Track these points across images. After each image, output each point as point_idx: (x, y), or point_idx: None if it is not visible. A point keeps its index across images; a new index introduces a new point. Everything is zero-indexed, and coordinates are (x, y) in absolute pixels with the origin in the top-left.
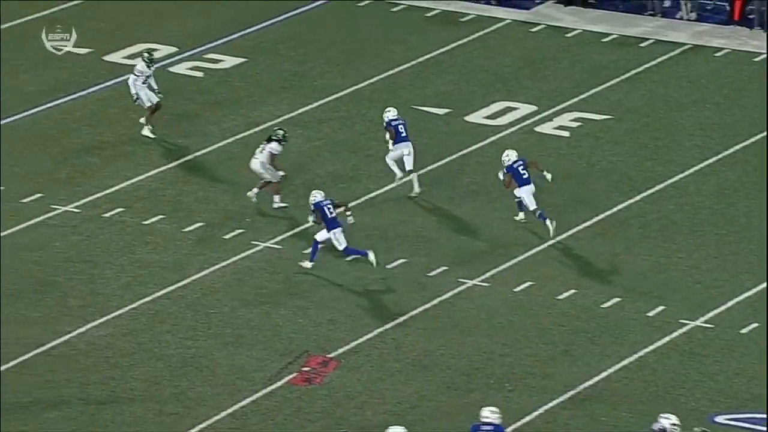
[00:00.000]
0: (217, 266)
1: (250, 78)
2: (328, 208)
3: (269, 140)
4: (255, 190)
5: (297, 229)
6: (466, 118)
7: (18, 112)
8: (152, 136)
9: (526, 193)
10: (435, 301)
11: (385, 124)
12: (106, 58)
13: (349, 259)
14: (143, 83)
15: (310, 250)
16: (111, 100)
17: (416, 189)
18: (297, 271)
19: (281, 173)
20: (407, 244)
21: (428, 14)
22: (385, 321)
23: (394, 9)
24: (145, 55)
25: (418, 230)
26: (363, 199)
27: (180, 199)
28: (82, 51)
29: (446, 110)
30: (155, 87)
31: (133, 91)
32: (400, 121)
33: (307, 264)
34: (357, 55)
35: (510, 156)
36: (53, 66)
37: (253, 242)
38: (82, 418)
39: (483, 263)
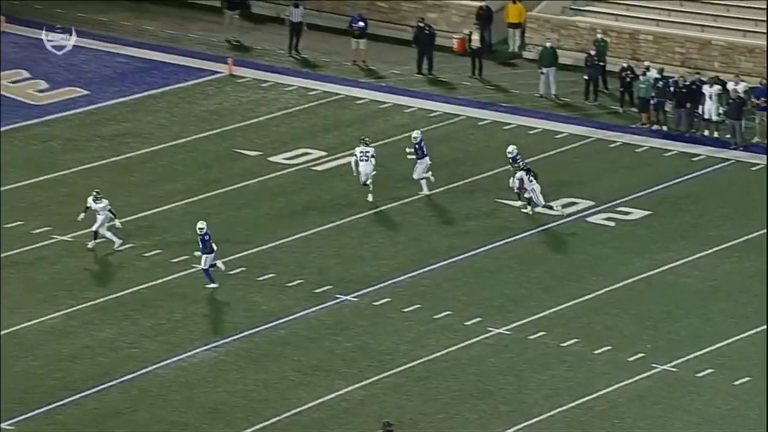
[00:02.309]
0: (622, 384)
1: (654, 227)
2: (207, 237)
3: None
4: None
5: (695, 353)
6: None
7: (466, 251)
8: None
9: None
10: None
11: (414, 143)
12: (538, 209)
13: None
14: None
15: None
16: (537, 243)
17: (425, 191)
18: (690, 390)
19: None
20: None
21: None
22: None
23: None
24: (367, 139)
25: None
26: (754, 332)
27: (592, 326)
28: (516, 203)
29: None
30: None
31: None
32: (423, 143)
33: (211, 285)
34: (747, 211)
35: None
36: (494, 216)
37: (653, 365)
38: None
39: None
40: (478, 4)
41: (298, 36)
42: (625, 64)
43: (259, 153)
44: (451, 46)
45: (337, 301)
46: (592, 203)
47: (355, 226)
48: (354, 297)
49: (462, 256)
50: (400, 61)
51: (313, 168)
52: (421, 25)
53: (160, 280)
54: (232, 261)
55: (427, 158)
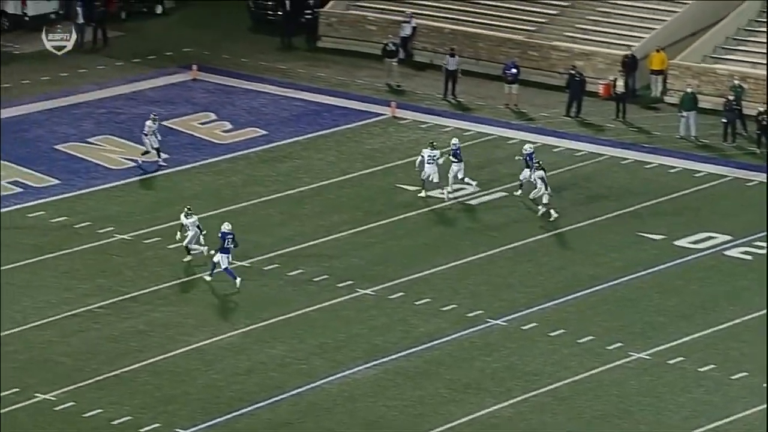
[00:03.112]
0: (758, 408)
1: None
2: (229, 239)
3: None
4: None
5: None
6: None
7: (608, 280)
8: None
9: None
10: None
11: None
12: (677, 242)
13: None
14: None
15: (211, 269)
16: (675, 274)
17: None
18: None
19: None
20: None
21: None
22: None
23: None
24: (435, 143)
25: None
26: None
27: (729, 353)
28: (656, 237)
29: None
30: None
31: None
32: (459, 150)
33: (207, 277)
34: None
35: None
36: (635, 248)
37: None
38: None
39: None
40: (623, 52)
41: (453, 82)
42: (762, 108)
43: (419, 188)
44: (597, 91)
45: (488, 324)
46: (729, 238)
47: (504, 255)
48: (503, 321)
49: (604, 285)
50: (548, 105)
51: (467, 202)
52: (573, 72)
53: (327, 303)
54: (391, 286)
55: (462, 163)
